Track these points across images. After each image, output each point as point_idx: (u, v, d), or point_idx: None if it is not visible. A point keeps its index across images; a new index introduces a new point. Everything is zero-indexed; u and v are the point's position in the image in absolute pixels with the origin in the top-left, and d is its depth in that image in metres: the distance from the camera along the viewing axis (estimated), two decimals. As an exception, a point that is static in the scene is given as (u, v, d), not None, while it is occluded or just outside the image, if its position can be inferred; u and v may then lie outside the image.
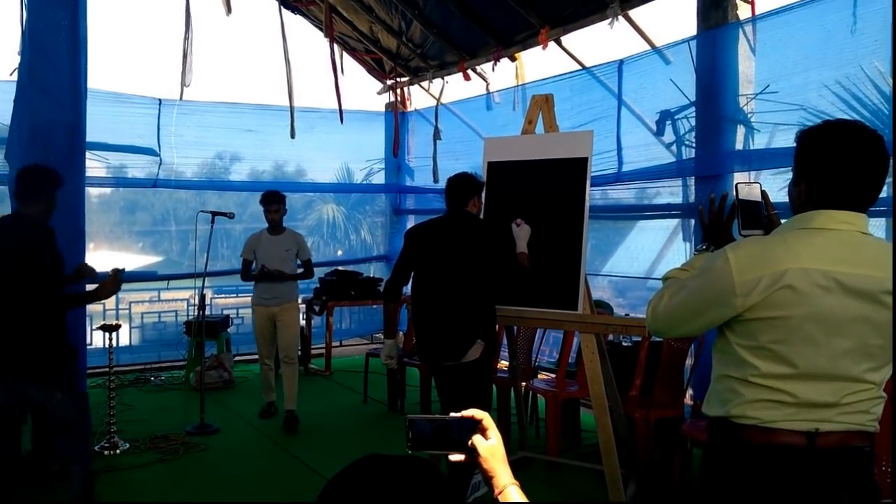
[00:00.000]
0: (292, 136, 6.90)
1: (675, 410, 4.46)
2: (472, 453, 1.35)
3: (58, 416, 3.57)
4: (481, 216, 4.02)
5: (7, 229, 3.51)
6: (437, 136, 7.94)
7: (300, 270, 5.69)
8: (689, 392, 4.79)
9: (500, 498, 1.32)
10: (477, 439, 1.35)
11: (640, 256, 5.88)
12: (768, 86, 4.64)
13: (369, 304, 8.17)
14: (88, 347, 4.91)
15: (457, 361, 3.66)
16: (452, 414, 1.37)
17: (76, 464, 3.64)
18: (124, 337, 7.41)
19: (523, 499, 1.31)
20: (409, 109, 8.87)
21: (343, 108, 7.43)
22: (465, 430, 1.35)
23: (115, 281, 3.75)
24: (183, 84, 6.08)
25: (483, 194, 3.99)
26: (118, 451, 4.84)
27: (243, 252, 5.64)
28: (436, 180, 7.88)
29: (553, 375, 5.48)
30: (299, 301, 5.88)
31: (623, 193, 6.02)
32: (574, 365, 5.14)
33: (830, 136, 1.78)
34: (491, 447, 1.34)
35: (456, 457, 1.37)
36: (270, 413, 5.77)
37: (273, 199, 5.51)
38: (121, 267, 3.83)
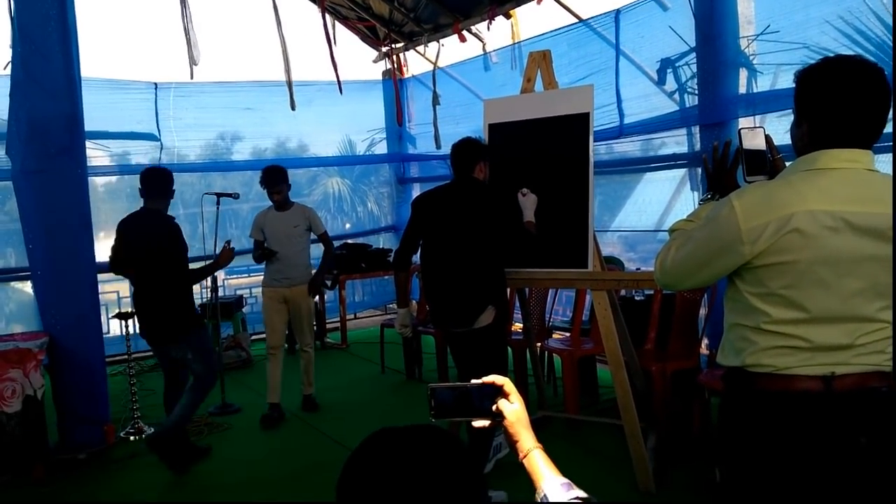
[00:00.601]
0: (293, 108, 6.77)
1: (690, 361, 4.46)
2: (496, 418, 1.37)
3: (192, 371, 4.33)
4: (488, 181, 3.97)
5: (145, 222, 4.23)
6: (436, 101, 7.86)
7: (322, 253, 5.51)
8: (705, 342, 4.78)
9: (525, 462, 1.34)
10: (503, 403, 1.37)
11: (649, 209, 5.83)
12: (769, 25, 4.55)
13: (381, 276, 8.15)
14: (106, 336, 4.93)
15: (469, 328, 3.66)
16: (473, 381, 1.38)
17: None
18: (141, 323, 7.44)
19: (548, 462, 1.32)
20: (406, 76, 8.77)
21: (340, 78, 7.35)
22: (486, 397, 1.38)
23: (230, 250, 4.56)
24: (192, 63, 5.86)
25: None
26: (144, 436, 4.90)
27: (252, 232, 5.41)
28: (438, 146, 7.82)
29: (568, 334, 5.49)
30: None
31: (628, 147, 5.94)
32: (588, 322, 5.13)
33: (829, 73, 1.73)
34: (515, 411, 1.36)
35: (479, 423, 1.39)
36: (273, 419, 5.18)
37: (272, 181, 5.20)
38: (228, 238, 4.65)
